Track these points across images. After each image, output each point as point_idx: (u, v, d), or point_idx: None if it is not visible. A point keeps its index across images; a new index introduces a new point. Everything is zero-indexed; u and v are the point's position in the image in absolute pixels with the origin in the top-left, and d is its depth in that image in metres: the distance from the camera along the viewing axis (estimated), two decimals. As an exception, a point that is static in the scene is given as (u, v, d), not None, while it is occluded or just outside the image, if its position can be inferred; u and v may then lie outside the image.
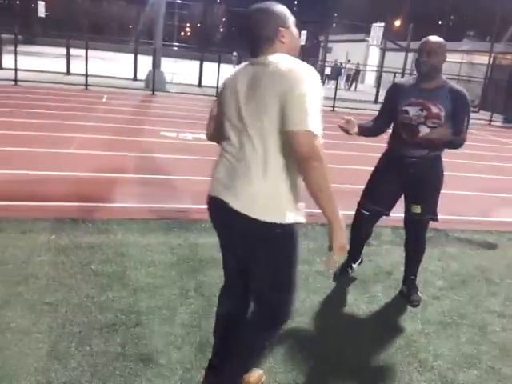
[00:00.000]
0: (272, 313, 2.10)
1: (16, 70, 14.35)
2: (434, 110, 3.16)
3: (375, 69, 24.73)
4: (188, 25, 60.09)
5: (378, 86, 21.00)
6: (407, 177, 3.33)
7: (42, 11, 29.13)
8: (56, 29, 46.49)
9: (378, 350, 2.89)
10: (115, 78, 17.27)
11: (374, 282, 3.76)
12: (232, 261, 2.19)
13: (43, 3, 29.92)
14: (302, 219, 1.99)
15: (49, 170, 5.80)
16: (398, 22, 42.73)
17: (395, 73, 21.15)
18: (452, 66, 26.31)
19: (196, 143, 8.18)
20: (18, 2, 41.78)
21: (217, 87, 15.65)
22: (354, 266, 3.78)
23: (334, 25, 32.08)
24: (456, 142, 3.24)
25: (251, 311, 2.19)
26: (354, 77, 29.84)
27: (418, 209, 3.34)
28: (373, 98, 20.37)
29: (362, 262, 3.85)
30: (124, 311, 2.99)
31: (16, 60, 14.30)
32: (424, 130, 3.19)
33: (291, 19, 2.04)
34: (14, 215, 4.30)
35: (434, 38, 3.20)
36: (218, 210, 2.02)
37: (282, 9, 2.02)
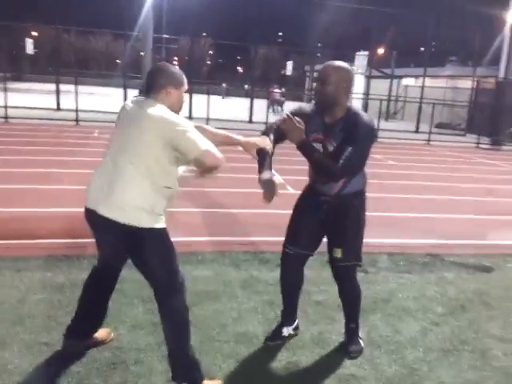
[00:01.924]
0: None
1: (6, 107, 14.42)
2: (330, 148, 2.80)
3: (361, 96, 25.07)
4: (176, 58, 60.84)
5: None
6: (322, 216, 2.97)
7: (30, 48, 29.48)
8: (44, 65, 46.89)
9: (381, 380, 2.86)
10: (106, 112, 17.35)
11: (372, 310, 3.74)
12: None
13: (31, 40, 30.30)
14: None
15: (41, 207, 5.78)
16: (381, 50, 43.61)
17: (381, 100, 21.49)
18: (436, 91, 26.81)
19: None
20: (5, 40, 42.05)
21: (207, 118, 15.79)
22: (288, 329, 3.23)
23: (319, 54, 32.65)
24: (324, 167, 2.78)
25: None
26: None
27: (338, 253, 2.95)
28: (360, 125, 20.55)
29: (297, 328, 3.31)
30: (122, 349, 2.95)
31: (6, 97, 14.38)
32: None
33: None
34: (8, 253, 4.27)
35: (330, 64, 2.79)
36: None
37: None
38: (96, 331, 2.95)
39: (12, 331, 3.04)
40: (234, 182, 7.62)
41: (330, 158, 2.75)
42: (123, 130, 2.50)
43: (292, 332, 3.25)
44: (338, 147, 2.73)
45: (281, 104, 30.32)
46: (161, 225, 2.52)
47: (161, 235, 2.54)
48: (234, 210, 6.27)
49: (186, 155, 2.41)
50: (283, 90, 32.38)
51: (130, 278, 3.92)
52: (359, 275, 4.32)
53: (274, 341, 3.17)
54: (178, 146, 2.39)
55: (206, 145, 2.40)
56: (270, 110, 29.34)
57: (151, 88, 2.53)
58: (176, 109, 2.56)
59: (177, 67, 2.63)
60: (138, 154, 2.40)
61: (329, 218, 2.96)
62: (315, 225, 3.00)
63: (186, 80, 2.63)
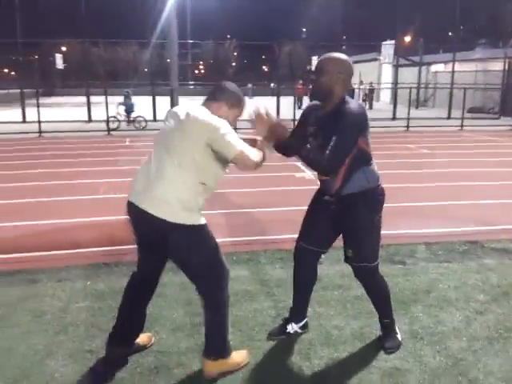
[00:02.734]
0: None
1: (39, 121, 14.82)
2: (320, 140, 2.76)
3: (390, 86, 24.69)
4: (201, 62, 61.26)
5: (394, 102, 20.95)
6: (331, 215, 2.92)
7: (59, 63, 30.21)
8: (74, 78, 47.91)
9: (426, 372, 2.81)
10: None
11: (413, 301, 3.67)
12: None
13: (60, 55, 31.05)
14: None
15: (78, 217, 5.91)
16: (408, 38, 42.88)
17: (410, 88, 21.14)
18: (466, 75, 26.19)
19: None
20: (36, 57, 43.27)
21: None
22: (294, 327, 3.19)
23: (344, 47, 32.35)
24: (311, 160, 2.73)
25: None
26: (369, 95, 29.96)
27: (349, 253, 2.93)
28: (390, 115, 20.32)
29: (306, 327, 3.24)
30: (164, 353, 2.99)
31: (39, 112, 14.77)
32: None
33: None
34: (49, 265, 4.37)
35: (327, 55, 2.79)
36: None
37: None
38: (137, 336, 3.00)
39: (56, 340, 3.12)
40: (255, 181, 7.63)
41: (319, 151, 2.70)
42: (167, 130, 2.66)
43: (298, 330, 3.20)
44: (325, 138, 2.68)
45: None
46: (196, 220, 2.61)
47: (197, 230, 2.61)
48: (260, 209, 6.29)
49: (225, 156, 2.59)
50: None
51: (169, 281, 3.99)
52: (397, 268, 4.31)
53: (277, 336, 3.16)
54: (218, 148, 2.55)
55: (242, 146, 2.59)
56: (297, 106, 29.72)
57: (208, 98, 2.74)
58: None
59: (239, 90, 2.79)
60: (178, 152, 2.55)
61: (337, 219, 2.91)
62: (324, 223, 2.96)
63: (243, 106, 2.79)
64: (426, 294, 3.80)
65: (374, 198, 2.86)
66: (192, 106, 2.67)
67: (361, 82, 32.11)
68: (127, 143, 13.23)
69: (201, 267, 2.68)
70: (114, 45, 54.70)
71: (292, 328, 3.20)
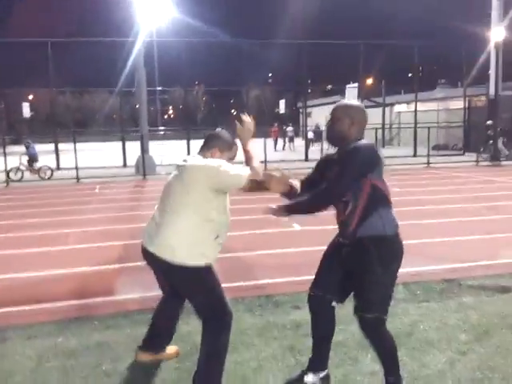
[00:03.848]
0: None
1: (6, 171, 14.54)
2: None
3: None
4: (170, 107, 61.83)
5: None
6: (342, 259, 2.88)
7: (26, 112, 30.02)
8: (42, 126, 47.60)
9: (414, 420, 2.73)
10: (105, 167, 17.51)
11: (397, 345, 3.60)
12: None
13: (27, 104, 30.88)
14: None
15: (47, 270, 5.70)
16: (370, 80, 44.32)
17: (376, 128, 21.68)
18: (429, 114, 27.06)
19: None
20: (2, 106, 42.97)
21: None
22: (313, 377, 3.06)
23: (309, 91, 33.25)
24: (313, 199, 2.75)
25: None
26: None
27: (356, 301, 2.82)
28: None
29: (327, 379, 3.11)
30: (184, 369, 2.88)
31: (6, 162, 14.52)
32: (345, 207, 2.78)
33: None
34: (18, 321, 4.18)
35: (341, 103, 2.90)
36: None
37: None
38: (164, 348, 3.37)
39: (26, 404, 2.94)
40: (234, 225, 7.56)
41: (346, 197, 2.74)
42: (171, 178, 2.96)
43: (318, 382, 3.06)
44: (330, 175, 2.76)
45: (293, 140, 31.30)
46: (197, 262, 2.81)
47: (196, 272, 2.82)
48: (239, 254, 6.19)
49: (236, 187, 2.89)
50: (288, 127, 32.79)
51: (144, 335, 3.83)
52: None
53: None
54: (225, 186, 2.85)
55: (242, 171, 2.87)
56: (280, 147, 30.59)
57: (202, 147, 3.02)
58: None
59: (229, 137, 3.07)
60: (177, 200, 2.82)
61: (347, 262, 2.84)
62: (335, 268, 2.90)
63: (234, 150, 3.07)
64: (408, 337, 3.75)
65: (388, 249, 2.76)
66: (191, 157, 2.97)
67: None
68: (97, 190, 13.04)
69: (202, 307, 2.90)
70: (83, 93, 54.88)
71: (312, 379, 3.05)
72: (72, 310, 4.44)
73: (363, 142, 2.73)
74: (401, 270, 3.41)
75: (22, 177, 15.57)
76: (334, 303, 2.95)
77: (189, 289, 2.91)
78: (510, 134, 20.27)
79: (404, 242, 2.83)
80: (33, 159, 16.05)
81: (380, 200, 2.73)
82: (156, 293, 4.81)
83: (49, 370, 3.35)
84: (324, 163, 3.02)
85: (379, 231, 2.71)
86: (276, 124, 34.55)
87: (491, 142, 19.70)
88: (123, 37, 20.30)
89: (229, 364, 3.34)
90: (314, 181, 3.01)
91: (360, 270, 2.76)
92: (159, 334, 3.33)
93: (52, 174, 16.05)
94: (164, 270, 2.90)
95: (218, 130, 3.16)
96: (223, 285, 3.00)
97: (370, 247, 2.71)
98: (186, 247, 2.77)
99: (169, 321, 3.32)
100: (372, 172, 2.68)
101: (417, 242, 6.42)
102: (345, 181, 2.66)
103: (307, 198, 2.78)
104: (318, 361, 3.10)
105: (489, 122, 20.28)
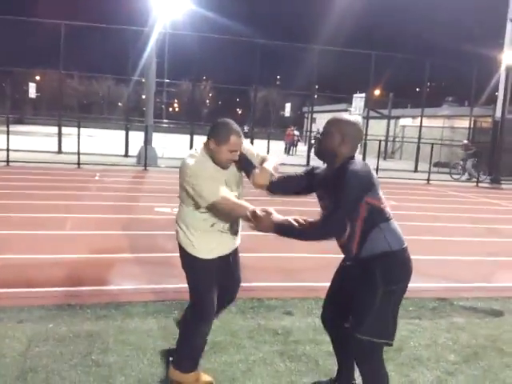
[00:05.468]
0: None
1: (8, 150, 14.49)
2: (326, 202, 2.70)
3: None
4: (176, 101, 61.79)
5: (363, 153, 21.40)
6: (345, 278, 2.82)
7: (32, 92, 30.00)
8: (47, 108, 47.54)
9: None
10: (107, 155, 17.48)
11: (385, 359, 3.60)
12: None
13: (34, 85, 30.85)
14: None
15: (43, 254, 5.70)
16: (377, 92, 44.40)
17: (380, 140, 21.69)
18: (433, 130, 27.11)
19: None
20: (8, 85, 42.94)
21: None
22: None
23: (316, 96, 33.20)
24: (310, 234, 2.61)
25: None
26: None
27: (350, 319, 2.70)
28: (360, 165, 20.64)
29: None
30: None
31: (8, 141, 14.47)
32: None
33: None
34: (10, 303, 4.18)
35: (334, 117, 2.74)
36: None
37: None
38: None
39: (14, 387, 2.94)
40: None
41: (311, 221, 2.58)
42: None
43: None
44: (331, 202, 2.57)
45: (296, 144, 31.27)
46: (193, 251, 2.96)
47: (188, 256, 2.98)
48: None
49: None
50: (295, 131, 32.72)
51: (134, 328, 3.84)
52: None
53: None
54: (190, 194, 2.85)
55: (211, 195, 2.76)
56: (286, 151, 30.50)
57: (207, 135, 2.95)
58: (217, 162, 2.86)
59: (233, 126, 2.83)
60: (180, 189, 2.94)
61: (346, 284, 2.79)
62: (339, 287, 2.88)
63: (232, 141, 2.80)
64: (398, 352, 3.76)
65: (394, 267, 2.68)
66: (193, 149, 2.97)
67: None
68: (97, 178, 13.04)
69: (189, 289, 3.04)
70: (90, 78, 54.79)
71: None
72: (64, 296, 4.43)
73: (357, 164, 2.59)
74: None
75: None
76: (346, 324, 2.77)
77: (183, 267, 3.07)
78: (482, 156, 20.34)
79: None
80: None
81: (379, 215, 2.64)
82: (149, 286, 4.86)
83: (38, 354, 3.35)
84: (312, 175, 2.90)
85: (383, 247, 2.62)
86: (292, 127, 33.12)
87: (461, 161, 20.07)
88: (138, 26, 20.30)
89: (218, 364, 3.37)
90: (294, 178, 2.96)
91: (358, 285, 2.65)
92: None
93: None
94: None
95: (223, 119, 2.90)
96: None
97: (374, 267, 2.59)
98: (182, 232, 2.99)
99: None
100: (368, 195, 2.58)
101: (412, 257, 6.39)
102: (346, 210, 2.51)
103: (315, 225, 2.56)
104: (345, 372, 3.08)
105: (465, 142, 20.91)
